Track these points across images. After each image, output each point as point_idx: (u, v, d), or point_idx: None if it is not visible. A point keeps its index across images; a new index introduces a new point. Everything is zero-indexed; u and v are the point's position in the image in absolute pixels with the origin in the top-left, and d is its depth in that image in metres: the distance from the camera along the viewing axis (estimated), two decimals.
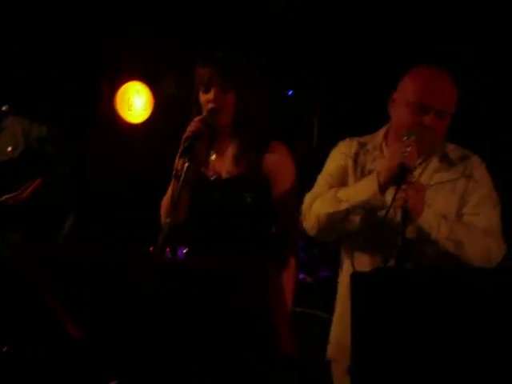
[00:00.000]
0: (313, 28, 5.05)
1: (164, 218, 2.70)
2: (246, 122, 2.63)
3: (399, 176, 2.31)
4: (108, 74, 5.39)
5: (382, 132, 2.66)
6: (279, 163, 2.66)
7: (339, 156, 2.66)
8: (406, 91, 2.50)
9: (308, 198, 2.60)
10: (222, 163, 2.71)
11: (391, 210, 2.33)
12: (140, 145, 5.35)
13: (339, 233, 2.55)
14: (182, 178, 2.47)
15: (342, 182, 2.60)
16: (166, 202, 2.72)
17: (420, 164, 2.53)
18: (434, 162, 2.55)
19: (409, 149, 2.33)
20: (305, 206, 2.59)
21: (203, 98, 2.64)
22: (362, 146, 2.65)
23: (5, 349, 3.92)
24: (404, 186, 2.29)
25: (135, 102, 5.35)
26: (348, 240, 2.60)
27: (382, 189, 2.38)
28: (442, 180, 2.52)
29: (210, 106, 2.60)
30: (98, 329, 2.00)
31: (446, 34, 4.56)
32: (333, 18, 4.95)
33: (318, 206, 2.52)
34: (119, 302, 1.90)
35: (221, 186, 2.67)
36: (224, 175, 2.69)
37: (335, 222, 2.47)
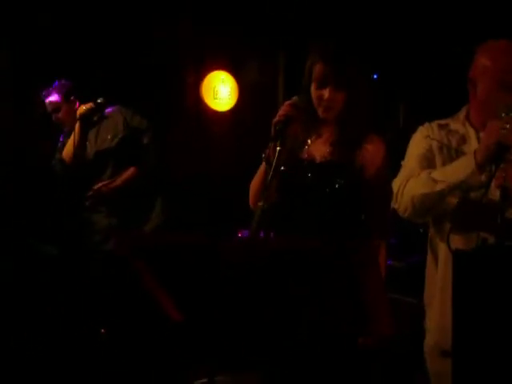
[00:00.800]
0: (396, 11, 5.00)
1: (253, 202, 2.72)
2: (353, 118, 2.64)
3: (497, 154, 2.24)
4: (192, 64, 5.47)
5: (463, 112, 2.61)
6: (374, 155, 2.65)
7: (422, 139, 2.62)
8: (493, 66, 2.44)
9: (398, 181, 2.57)
10: (318, 147, 2.71)
11: (489, 190, 2.27)
12: (227, 132, 5.41)
13: (435, 213, 2.50)
14: (274, 163, 2.47)
15: (430, 163, 2.56)
16: (254, 185, 2.73)
17: None
18: None
19: (508, 126, 2.26)
20: (396, 189, 2.55)
21: (316, 92, 2.64)
22: (443, 127, 2.61)
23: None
24: (503, 165, 2.22)
25: (221, 91, 5.40)
26: (442, 222, 2.56)
27: (480, 168, 2.32)
28: None
29: (325, 104, 2.61)
30: (195, 312, 2.02)
31: None
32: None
33: (411, 187, 2.49)
34: (214, 285, 1.92)
35: (313, 169, 2.67)
36: (318, 159, 2.69)
37: (431, 202, 2.43)
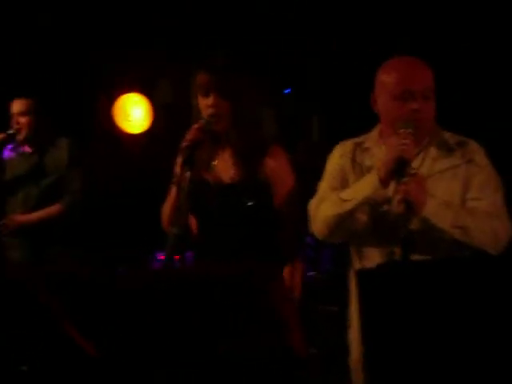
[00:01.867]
0: (311, 27, 5.08)
1: (166, 225, 2.73)
2: (241, 129, 2.67)
3: (399, 169, 2.32)
4: (105, 86, 5.42)
5: (376, 130, 2.66)
6: (278, 168, 2.70)
7: (337, 158, 2.67)
8: (386, 85, 2.51)
9: (313, 202, 2.61)
10: (223, 169, 2.74)
11: (394, 204, 2.34)
12: (140, 155, 5.38)
13: (348, 233, 2.53)
14: (185, 188, 2.49)
15: (343, 182, 2.61)
16: (166, 209, 2.74)
17: (418, 154, 2.52)
18: (433, 151, 2.54)
19: (406, 141, 2.34)
20: (311, 212, 2.59)
21: (202, 102, 2.67)
22: (358, 145, 2.66)
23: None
24: (404, 179, 2.29)
25: (134, 113, 5.37)
26: (355, 237, 2.61)
27: (384, 183, 2.38)
28: (443, 168, 2.51)
29: (210, 111, 2.64)
30: (110, 345, 2.01)
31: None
32: (330, 18, 4.97)
33: (323, 209, 2.53)
34: (127, 316, 1.92)
35: (222, 191, 2.70)
36: (225, 181, 2.71)
37: (342, 222, 2.47)
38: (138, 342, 1.98)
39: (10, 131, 4.10)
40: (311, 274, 4.52)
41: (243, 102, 2.67)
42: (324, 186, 2.64)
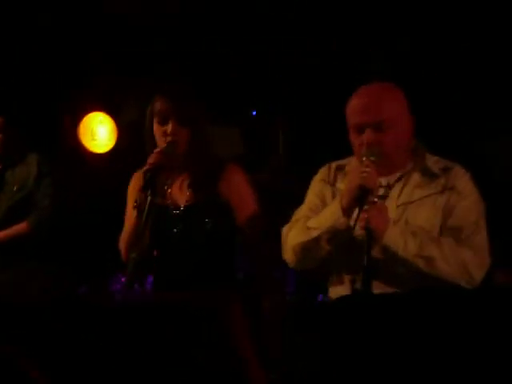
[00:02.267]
0: (274, 48, 5.09)
1: (124, 251, 2.72)
2: (199, 154, 2.67)
3: (360, 197, 2.31)
4: (69, 104, 5.37)
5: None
6: (236, 186, 2.69)
7: (318, 184, 2.66)
8: (347, 116, 2.53)
9: (284, 230, 2.60)
10: (179, 194, 2.73)
11: (358, 232, 2.33)
12: (105, 174, 5.33)
13: (314, 261, 2.52)
14: (145, 212, 2.46)
15: (319, 210, 2.57)
16: (125, 235, 2.72)
17: (399, 179, 2.52)
18: (415, 177, 2.52)
19: (368, 169, 2.34)
20: (283, 238, 2.58)
21: (159, 130, 2.66)
22: (339, 169, 2.64)
23: None
24: (365, 207, 2.29)
25: (99, 132, 5.33)
26: (323, 265, 2.59)
27: (346, 212, 2.38)
28: (423, 195, 2.48)
29: (168, 139, 2.63)
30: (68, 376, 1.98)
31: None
32: (293, 37, 4.99)
33: (291, 237, 2.53)
34: (83, 345, 1.89)
35: (180, 216, 2.68)
36: (182, 204, 2.70)
37: (308, 250, 2.47)
38: (93, 370, 1.95)
39: None
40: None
41: (200, 127, 2.67)
42: (299, 213, 2.63)
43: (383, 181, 2.52)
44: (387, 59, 4.62)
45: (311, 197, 2.64)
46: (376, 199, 2.36)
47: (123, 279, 4.54)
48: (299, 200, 2.68)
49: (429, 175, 2.52)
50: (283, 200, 4.23)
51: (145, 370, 1.90)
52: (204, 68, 5.10)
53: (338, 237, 2.41)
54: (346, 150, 2.71)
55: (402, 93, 2.53)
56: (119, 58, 5.19)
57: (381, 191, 2.50)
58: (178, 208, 2.71)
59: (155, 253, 2.76)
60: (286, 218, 3.45)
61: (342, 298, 2.29)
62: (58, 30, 4.92)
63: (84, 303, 1.88)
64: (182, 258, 2.69)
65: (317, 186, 2.65)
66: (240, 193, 2.71)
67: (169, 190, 2.76)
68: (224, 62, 5.17)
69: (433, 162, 2.55)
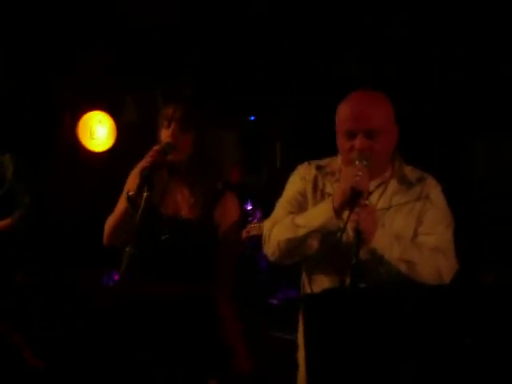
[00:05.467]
0: (272, 53, 5.14)
1: (108, 240, 2.76)
2: (202, 163, 2.72)
3: (352, 199, 2.37)
4: (69, 102, 5.42)
5: (340, 157, 2.68)
6: (228, 213, 2.77)
7: (298, 181, 2.70)
8: (338, 121, 2.57)
9: (268, 224, 2.64)
10: (176, 203, 2.77)
11: (346, 233, 2.39)
12: (103, 173, 5.37)
13: (299, 257, 2.59)
14: (141, 208, 2.50)
15: (301, 206, 2.64)
16: (112, 223, 2.76)
17: (379, 186, 2.59)
18: (393, 185, 2.60)
19: (360, 173, 2.39)
20: (265, 232, 2.63)
21: (164, 134, 2.70)
22: (320, 169, 2.69)
23: None
24: (356, 209, 2.35)
25: (98, 131, 5.38)
26: (306, 262, 2.66)
27: (337, 212, 2.43)
28: (401, 202, 2.57)
29: (168, 139, 2.67)
30: (60, 359, 2.02)
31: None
32: (293, 42, 5.04)
33: (277, 232, 2.57)
34: (78, 332, 1.93)
35: (172, 226, 2.73)
36: (179, 216, 2.75)
37: (294, 247, 2.52)
38: (86, 356, 1.99)
39: None
40: (274, 302, 4.54)
41: (203, 134, 2.72)
42: (280, 208, 2.68)
43: None
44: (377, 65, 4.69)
45: (292, 193, 2.69)
46: (367, 202, 2.41)
47: (116, 276, 4.58)
48: None
49: (406, 184, 2.60)
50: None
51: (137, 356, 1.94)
52: (204, 70, 5.14)
53: (327, 237, 2.47)
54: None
55: (390, 102, 2.59)
56: (120, 58, 5.24)
57: None
58: (174, 218, 2.76)
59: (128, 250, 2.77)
60: None
61: (334, 290, 2.34)
62: (60, 26, 4.97)
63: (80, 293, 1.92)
64: (164, 265, 2.73)
65: (298, 183, 2.69)
66: (229, 221, 2.78)
67: (167, 196, 2.80)
68: (223, 65, 5.22)
69: (409, 170, 2.64)
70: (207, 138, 2.73)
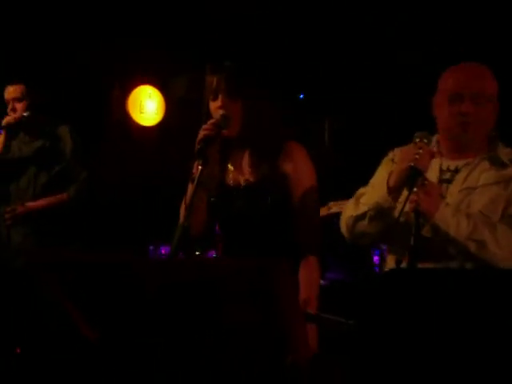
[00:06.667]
0: (322, 32, 5.09)
1: (182, 218, 2.74)
2: (255, 130, 2.66)
3: (410, 179, 2.31)
4: (118, 78, 5.43)
5: (435, 138, 2.61)
6: (296, 165, 2.67)
7: (388, 162, 2.66)
8: (443, 87, 2.53)
9: (346, 204, 2.63)
10: (239, 173, 2.74)
11: (406, 213, 2.32)
12: (152, 148, 5.39)
13: (366, 236, 2.53)
14: (195, 181, 2.48)
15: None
16: (184, 203, 2.74)
17: (468, 165, 2.50)
18: (484, 164, 2.49)
19: (420, 151, 2.33)
20: (342, 212, 2.61)
21: (212, 105, 2.67)
22: None
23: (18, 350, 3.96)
24: (415, 189, 2.28)
25: (147, 106, 5.39)
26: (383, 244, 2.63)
27: (391, 191, 2.38)
28: (489, 182, 2.44)
29: (220, 112, 2.63)
30: (109, 330, 2.01)
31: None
32: (342, 22, 4.98)
33: (345, 210, 2.57)
34: (128, 304, 1.92)
35: (241, 194, 2.70)
36: (243, 184, 2.71)
37: (358, 224, 2.49)
38: (140, 329, 1.98)
39: (25, 114, 4.10)
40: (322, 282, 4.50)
41: (254, 101, 2.67)
42: (365, 188, 2.62)
43: (451, 165, 2.52)
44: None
45: (378, 174, 2.64)
46: (426, 181, 2.35)
47: (163, 251, 4.60)
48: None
49: (497, 164, 2.48)
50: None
51: (188, 337, 1.93)
52: (251, 46, 5.10)
53: (382, 215, 2.41)
54: (390, 140, 2.74)
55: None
56: (169, 33, 5.22)
57: (447, 175, 2.50)
58: (238, 185, 2.73)
59: (217, 229, 2.78)
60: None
61: (389, 272, 2.29)
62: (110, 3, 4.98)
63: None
64: (242, 236, 2.71)
65: (387, 165, 2.63)
66: (300, 173, 2.68)
67: (230, 169, 2.77)
68: (272, 42, 5.17)
69: (504, 152, 2.53)
70: (257, 106, 2.68)
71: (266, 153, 2.67)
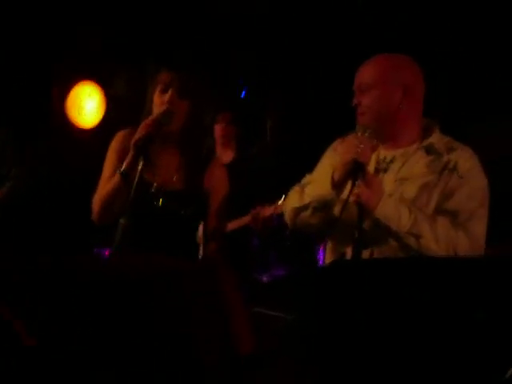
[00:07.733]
0: (264, 30, 5.09)
1: (98, 212, 2.68)
2: (194, 134, 2.66)
3: (353, 171, 2.32)
4: (59, 74, 5.32)
5: None
6: (219, 179, 2.75)
7: (330, 152, 2.68)
8: None
9: (289, 193, 2.65)
10: (165, 173, 2.69)
11: (349, 206, 2.33)
12: (91, 146, 5.29)
13: (309, 227, 2.55)
14: (136, 179, 2.44)
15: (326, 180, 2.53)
16: (102, 197, 2.67)
17: (403, 155, 2.50)
18: (419, 154, 2.49)
19: (362, 145, 2.34)
20: (284, 202, 2.68)
21: (159, 99, 2.64)
22: None
23: None
24: (358, 182, 2.29)
25: (87, 104, 5.29)
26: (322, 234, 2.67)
27: (335, 184, 2.39)
28: (422, 171, 2.44)
29: (165, 107, 2.59)
30: (50, 335, 1.96)
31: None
32: (286, 20, 4.99)
33: (288, 200, 2.60)
34: (70, 306, 1.87)
35: (162, 196, 2.66)
36: (167, 186, 2.67)
37: (301, 216, 2.51)
38: (78, 330, 1.94)
39: None
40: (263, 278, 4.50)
41: (201, 105, 2.67)
42: (305, 178, 2.65)
43: (388, 154, 2.52)
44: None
45: (321, 164, 2.66)
46: (367, 175, 2.35)
47: (107, 252, 4.51)
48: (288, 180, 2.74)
49: (433, 153, 2.48)
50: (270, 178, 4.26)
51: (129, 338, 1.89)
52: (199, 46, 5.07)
53: (325, 207, 2.43)
54: (333, 136, 2.75)
55: (399, 62, 2.53)
56: (109, 28, 5.15)
57: (384, 164, 2.51)
58: (161, 187, 2.68)
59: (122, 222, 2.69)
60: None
61: (331, 264, 2.30)
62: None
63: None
64: (153, 235, 2.68)
65: (330, 155, 2.65)
66: (220, 188, 2.75)
67: (158, 167, 2.69)
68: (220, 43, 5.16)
69: (438, 140, 2.51)
70: (203, 107, 2.68)
71: (197, 164, 2.69)
